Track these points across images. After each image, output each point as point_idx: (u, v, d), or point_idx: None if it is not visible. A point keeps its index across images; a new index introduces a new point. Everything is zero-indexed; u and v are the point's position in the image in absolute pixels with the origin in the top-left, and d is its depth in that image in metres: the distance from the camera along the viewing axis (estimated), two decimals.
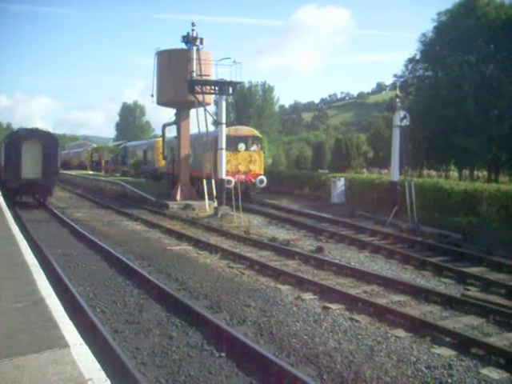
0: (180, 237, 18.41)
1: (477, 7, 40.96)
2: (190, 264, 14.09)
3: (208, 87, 25.12)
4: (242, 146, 29.10)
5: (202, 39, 26.44)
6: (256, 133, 31.01)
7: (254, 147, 29.99)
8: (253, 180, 28.97)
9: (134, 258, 14.59)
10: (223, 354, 7.71)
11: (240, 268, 13.68)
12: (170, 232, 19.41)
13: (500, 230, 18.43)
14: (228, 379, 6.99)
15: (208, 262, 14.39)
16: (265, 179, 29.07)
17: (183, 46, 26.84)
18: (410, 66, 46.76)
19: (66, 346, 5.50)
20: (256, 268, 13.63)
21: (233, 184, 25.78)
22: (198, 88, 24.86)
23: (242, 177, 28.50)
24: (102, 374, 4.89)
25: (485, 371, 7.34)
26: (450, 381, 7.03)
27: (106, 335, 7.95)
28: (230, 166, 27.82)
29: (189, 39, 26.19)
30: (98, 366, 5.07)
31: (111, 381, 4.77)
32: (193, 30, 26.13)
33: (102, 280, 12.11)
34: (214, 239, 17.87)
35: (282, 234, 18.85)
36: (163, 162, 38.54)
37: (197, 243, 17.16)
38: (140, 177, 45.70)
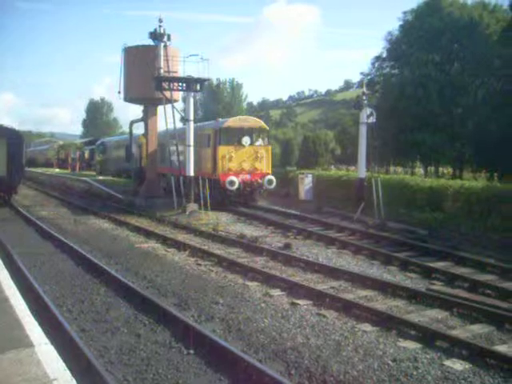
0: (148, 234, 18.28)
1: (441, 7, 41.80)
2: (158, 262, 14.01)
3: (175, 84, 24.94)
4: (246, 140, 24.97)
5: (169, 35, 26.25)
6: (263, 124, 26.54)
7: (261, 141, 25.86)
8: (259, 180, 24.87)
9: (102, 256, 14.43)
10: (191, 351, 7.71)
11: (208, 265, 13.67)
12: (137, 230, 19.25)
13: (464, 225, 18.84)
14: (196, 376, 6.99)
15: (176, 260, 14.34)
16: (274, 179, 24.97)
17: (151, 42, 26.63)
18: (376, 64, 47.51)
19: (31, 345, 5.44)
20: (224, 265, 13.63)
21: (236, 186, 23.68)
22: (165, 85, 24.66)
23: (247, 177, 24.74)
24: (68, 373, 4.84)
25: (448, 363, 7.50)
26: (415, 373, 7.15)
27: (73, 334, 7.86)
28: (233, 164, 24.54)
29: (156, 35, 25.96)
30: (63, 365, 5.02)
31: (77, 380, 4.73)
32: (160, 26, 25.92)
33: (68, 279, 11.96)
34: (182, 236, 17.80)
35: (250, 230, 18.88)
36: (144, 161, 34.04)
37: (165, 241, 17.06)
38: (122, 176, 41.95)
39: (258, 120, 26.88)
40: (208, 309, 9.84)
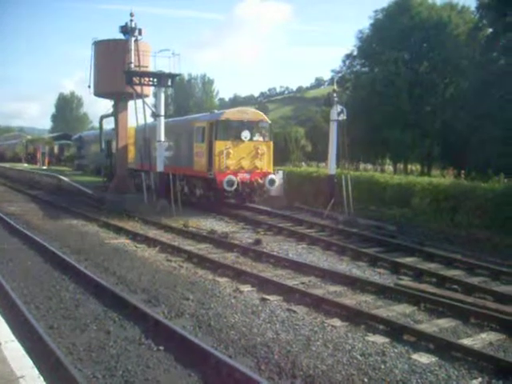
0: (118, 230, 18.11)
1: (410, 7, 42.37)
2: (128, 258, 13.91)
3: (146, 79, 24.73)
4: (246, 135, 22.39)
5: (140, 30, 26.01)
6: (264, 117, 23.81)
7: (261, 136, 23.24)
8: (260, 180, 22.35)
9: (71, 253, 14.25)
10: (161, 348, 7.68)
11: (178, 261, 13.63)
12: (107, 226, 19.06)
13: (432, 221, 19.15)
14: (166, 372, 6.97)
15: (146, 256, 14.25)
16: (276, 180, 22.63)
17: (122, 36, 26.35)
18: (347, 62, 48.02)
19: None
20: (194, 261, 13.60)
21: (235, 186, 21.37)
22: (136, 79, 24.42)
23: (246, 176, 22.15)
24: (35, 370, 4.79)
25: (415, 356, 7.63)
26: (383, 367, 7.26)
27: (40, 331, 7.76)
28: (231, 162, 22.00)
29: (127, 30, 25.71)
30: (30, 363, 4.97)
31: (44, 378, 4.68)
32: (131, 20, 25.68)
33: (37, 275, 11.79)
34: (152, 232, 17.69)
35: (220, 226, 18.86)
36: (132, 155, 31.13)
37: (135, 237, 16.94)
38: (100, 176, 36.27)
39: (258, 112, 24.39)
40: (178, 305, 9.81)
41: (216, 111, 25.05)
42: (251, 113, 23.81)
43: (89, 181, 34.28)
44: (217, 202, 22.60)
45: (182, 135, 25.23)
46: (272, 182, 22.36)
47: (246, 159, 22.39)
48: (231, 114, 23.10)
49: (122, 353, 7.54)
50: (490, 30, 37.78)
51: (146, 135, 24.74)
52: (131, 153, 27.14)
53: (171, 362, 7.24)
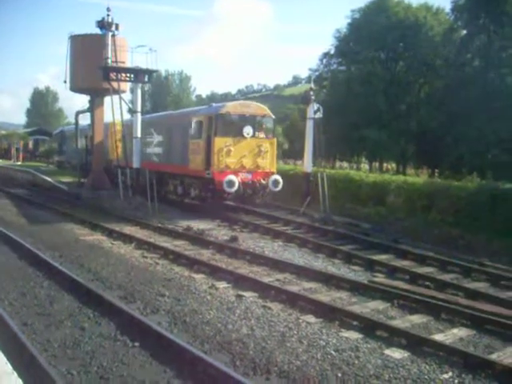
0: (93, 227, 17.97)
1: (387, 7, 42.76)
2: (104, 254, 13.83)
3: (123, 74, 24.54)
4: (248, 131, 20.53)
5: (117, 25, 25.75)
6: (268, 112, 21.77)
7: (264, 133, 21.40)
8: (263, 181, 20.55)
9: (45, 249, 14.08)
10: (137, 344, 7.68)
11: (154, 258, 13.60)
12: (82, 222, 18.89)
13: (406, 219, 19.40)
14: (141, 368, 6.98)
15: (122, 252, 14.19)
16: (280, 180, 20.79)
17: (98, 31, 26.09)
18: (324, 61, 48.18)
19: None
20: (170, 257, 13.59)
21: (236, 187, 19.55)
22: (112, 75, 24.21)
23: (248, 176, 20.39)
24: (9, 366, 4.76)
25: (388, 352, 7.76)
26: (356, 362, 7.37)
27: (15, 328, 7.70)
28: (231, 160, 20.16)
29: (104, 24, 25.40)
30: (4, 359, 4.93)
31: (19, 374, 4.65)
32: (108, 15, 25.39)
33: (10, 272, 11.63)
34: (128, 229, 17.58)
35: (196, 223, 18.84)
36: (118, 152, 27.12)
37: (111, 233, 16.84)
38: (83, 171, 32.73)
39: (262, 106, 22.09)
40: (154, 301, 9.81)
41: (214, 104, 23.16)
42: (254, 107, 21.77)
43: (66, 177, 33.93)
44: (215, 204, 21.01)
45: (176, 130, 23.45)
46: (276, 182, 20.65)
47: (248, 158, 20.53)
48: (232, 107, 21.13)
49: (97, 349, 7.52)
50: (465, 31, 38.35)
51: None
52: (119, 149, 26.20)
53: (147, 358, 7.25)
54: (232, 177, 19.48)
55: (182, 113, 22.87)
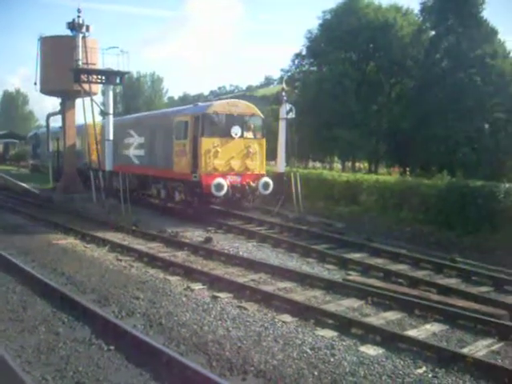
0: (66, 230, 17.73)
1: (358, 8, 43.13)
2: (77, 258, 13.68)
3: (94, 76, 24.29)
4: (236, 131, 19.61)
5: (88, 26, 25.45)
6: (257, 111, 20.93)
7: (253, 133, 20.54)
8: (252, 184, 19.65)
9: (17, 254, 13.82)
10: (112, 348, 7.61)
11: (129, 260, 13.50)
12: (55, 226, 18.62)
13: (378, 218, 19.63)
14: (117, 372, 6.92)
15: (96, 256, 14.05)
16: (271, 183, 20.04)
17: (69, 32, 25.78)
18: (296, 61, 48.30)
19: None
20: (145, 260, 13.50)
21: (225, 191, 18.66)
22: (83, 77, 23.95)
23: (236, 179, 19.44)
24: None
25: (363, 349, 7.84)
26: (332, 360, 7.43)
27: None
28: (219, 162, 19.25)
29: (74, 26, 25.11)
30: None
31: None
32: (79, 16, 25.10)
33: None
34: (101, 232, 17.41)
35: (171, 225, 18.73)
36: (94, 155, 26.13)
37: (84, 236, 16.64)
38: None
39: (250, 105, 21.18)
40: (129, 304, 9.74)
41: (200, 103, 22.05)
42: (242, 105, 20.77)
43: (38, 180, 33.45)
44: (201, 208, 20.01)
45: (159, 131, 22.39)
46: (266, 185, 19.85)
47: (236, 159, 19.62)
48: (220, 106, 20.18)
49: (71, 354, 7.43)
50: (433, 32, 38.92)
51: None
52: (94, 151, 25.37)
53: (122, 362, 7.19)
54: (220, 180, 18.60)
55: (165, 113, 22.09)
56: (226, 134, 19.52)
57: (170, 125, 21.07)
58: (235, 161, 19.56)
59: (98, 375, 6.80)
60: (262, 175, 20.13)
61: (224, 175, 19.02)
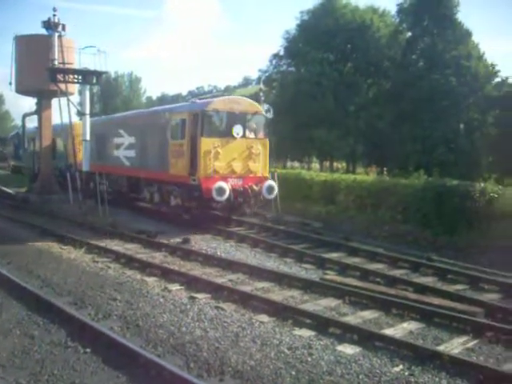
0: (42, 232, 17.51)
1: (335, 9, 43.37)
2: (54, 260, 13.51)
3: (71, 76, 24.04)
4: (238, 131, 18.05)
5: (64, 25, 25.22)
6: (260, 109, 19.32)
7: (256, 133, 18.95)
8: (255, 187, 18.07)
9: None
10: (88, 350, 7.52)
11: (106, 262, 13.38)
12: (31, 227, 18.40)
13: (356, 217, 19.74)
14: (93, 375, 6.84)
15: (72, 257, 13.89)
16: (275, 187, 18.65)
17: (45, 31, 25.47)
18: (274, 62, 48.37)
19: None
20: (122, 261, 13.40)
21: (226, 195, 17.07)
22: (60, 77, 23.68)
23: (238, 182, 17.90)
24: None
25: (340, 348, 7.87)
26: (309, 359, 7.44)
27: None
28: (220, 164, 17.66)
29: (50, 25, 24.85)
30: None
31: None
32: (54, 15, 24.85)
33: None
34: (78, 233, 17.21)
35: (149, 226, 18.60)
36: (76, 155, 25.64)
37: (60, 238, 16.42)
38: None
39: (253, 102, 19.52)
40: (105, 306, 9.64)
41: (198, 100, 20.23)
42: (245, 103, 19.01)
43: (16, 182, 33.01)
44: (201, 214, 18.56)
45: (152, 130, 20.64)
46: (271, 189, 18.41)
47: (238, 161, 18.07)
48: (220, 103, 18.30)
49: (47, 357, 7.33)
50: (410, 33, 39.34)
51: (102, 130, 23.26)
52: (81, 152, 24.72)
53: (99, 364, 7.11)
54: (222, 183, 17.02)
55: (159, 110, 20.38)
56: (227, 134, 17.98)
57: (165, 123, 19.51)
58: (237, 163, 18.05)
59: (73, 378, 6.71)
60: (266, 178, 18.70)
61: (225, 178, 17.51)
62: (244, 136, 18.27)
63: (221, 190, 16.89)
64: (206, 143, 17.45)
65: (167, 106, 20.38)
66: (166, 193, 19.67)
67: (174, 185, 19.05)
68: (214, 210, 18.58)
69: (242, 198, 17.88)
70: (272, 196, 18.61)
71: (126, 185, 23.02)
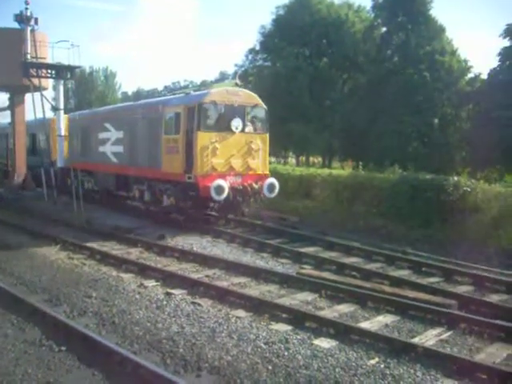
0: (16, 229, 17.24)
1: (311, 4, 43.50)
2: (28, 257, 13.33)
3: (44, 71, 23.71)
4: (237, 125, 16.87)
5: (36, 19, 24.83)
6: (260, 101, 18.11)
7: (255, 127, 17.87)
8: (254, 185, 17.01)
9: None
10: (63, 348, 7.45)
11: (81, 258, 13.26)
12: (4, 224, 18.10)
13: (332, 212, 19.85)
14: (68, 373, 6.79)
15: (47, 254, 13.71)
16: (277, 184, 17.49)
17: (17, 25, 25.04)
18: (250, 56, 48.33)
19: None
20: (98, 258, 13.29)
21: (225, 194, 15.96)
22: (32, 71, 23.33)
23: (237, 180, 16.83)
24: None
25: (317, 342, 7.91)
26: (286, 354, 7.46)
27: None
28: (218, 161, 16.56)
29: (22, 18, 24.43)
30: None
31: None
32: (26, 8, 24.44)
33: None
34: (53, 230, 16.98)
35: (125, 222, 18.45)
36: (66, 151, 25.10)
37: (35, 235, 16.21)
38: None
39: (252, 94, 18.38)
40: (81, 303, 9.55)
41: (193, 92, 18.90)
42: (243, 94, 17.79)
43: None
44: (197, 215, 17.62)
45: (141, 125, 19.31)
46: (272, 187, 17.32)
47: (237, 157, 16.96)
48: (218, 95, 16.98)
49: (21, 356, 7.24)
50: (384, 28, 39.62)
51: (85, 124, 22.85)
52: (65, 148, 24.12)
53: (74, 363, 7.05)
54: (221, 181, 15.92)
55: (150, 103, 19.20)
56: (225, 128, 16.80)
57: (157, 117, 18.13)
58: (236, 159, 16.92)
59: (48, 377, 6.65)
60: (266, 175, 17.64)
61: (224, 176, 16.42)
62: (243, 130, 17.21)
63: (219, 189, 15.82)
64: (203, 138, 16.31)
65: (160, 99, 19.53)
66: (158, 192, 18.56)
67: (167, 183, 17.88)
68: (211, 211, 17.80)
69: (241, 196, 16.86)
70: (273, 195, 17.57)
71: (113, 183, 21.77)
